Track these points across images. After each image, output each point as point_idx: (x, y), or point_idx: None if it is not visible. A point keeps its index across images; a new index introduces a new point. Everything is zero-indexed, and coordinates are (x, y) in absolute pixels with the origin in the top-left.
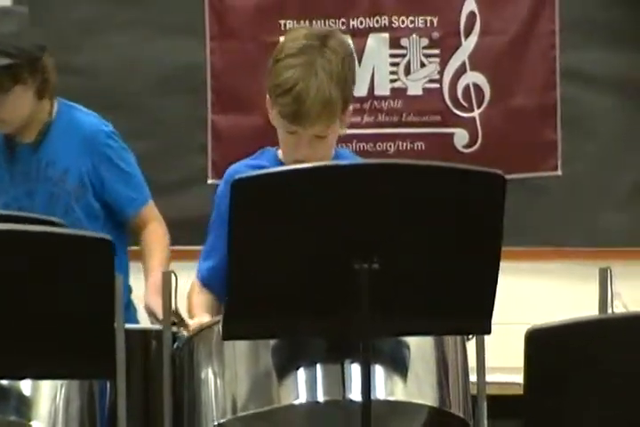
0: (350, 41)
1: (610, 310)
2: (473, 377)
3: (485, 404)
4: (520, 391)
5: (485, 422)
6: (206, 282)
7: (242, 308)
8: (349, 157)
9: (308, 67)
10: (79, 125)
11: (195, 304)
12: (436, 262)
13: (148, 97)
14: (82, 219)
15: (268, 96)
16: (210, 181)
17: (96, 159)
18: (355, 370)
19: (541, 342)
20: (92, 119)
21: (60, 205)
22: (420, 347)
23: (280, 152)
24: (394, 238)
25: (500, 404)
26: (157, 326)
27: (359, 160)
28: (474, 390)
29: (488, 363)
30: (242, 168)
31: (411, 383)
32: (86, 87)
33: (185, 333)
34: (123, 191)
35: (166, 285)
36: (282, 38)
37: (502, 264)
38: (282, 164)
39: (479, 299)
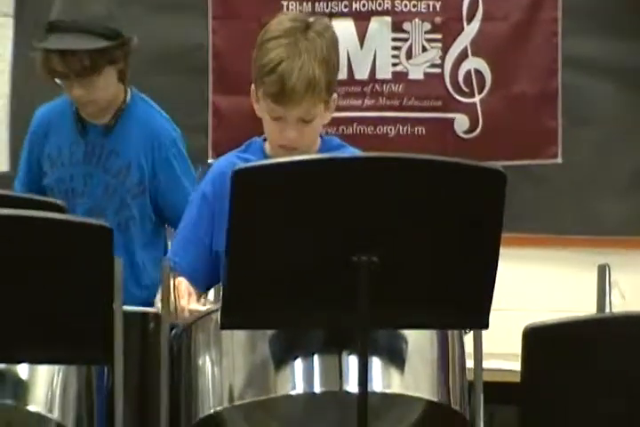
0: (352, 24)
1: (607, 307)
2: (469, 363)
3: (482, 391)
4: (515, 378)
5: (481, 409)
6: (189, 275)
7: (240, 298)
8: (338, 145)
9: (292, 47)
10: (151, 124)
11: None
12: (435, 256)
13: (148, 76)
14: (136, 217)
15: (252, 85)
16: (210, 161)
17: (157, 163)
18: (352, 362)
19: (539, 340)
20: (164, 122)
21: (116, 199)
22: (417, 340)
23: (267, 144)
24: (393, 231)
25: (496, 390)
26: (155, 309)
27: (350, 148)
28: (470, 377)
29: (484, 349)
30: (228, 165)
31: (408, 376)
32: None
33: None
34: (177, 201)
35: (165, 270)
36: None
37: (500, 250)
38: (268, 157)
39: (478, 293)
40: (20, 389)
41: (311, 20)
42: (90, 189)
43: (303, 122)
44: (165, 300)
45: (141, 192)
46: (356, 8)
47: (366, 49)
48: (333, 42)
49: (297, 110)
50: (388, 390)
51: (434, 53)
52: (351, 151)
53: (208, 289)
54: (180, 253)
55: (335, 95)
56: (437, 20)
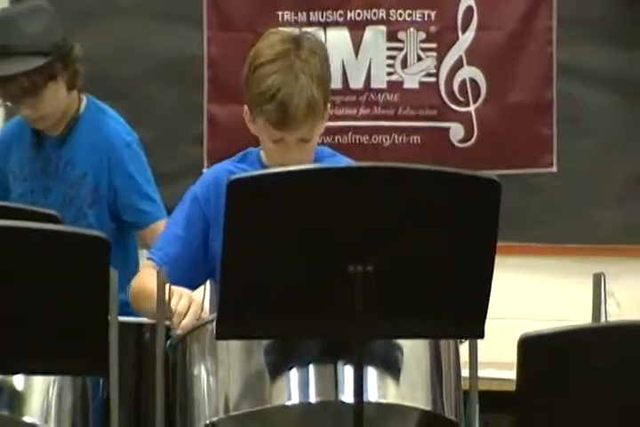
0: (347, 34)
1: (603, 316)
2: (465, 372)
3: (477, 400)
4: (511, 387)
5: (477, 418)
6: (172, 271)
7: (236, 308)
8: (330, 155)
9: (288, 71)
10: (104, 131)
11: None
12: (431, 266)
13: (144, 85)
14: (93, 225)
15: (246, 108)
16: (205, 170)
17: (113, 169)
18: (348, 372)
19: (534, 349)
20: (117, 127)
21: (73, 209)
22: (413, 349)
23: (263, 154)
24: (388, 241)
25: (491, 399)
26: (151, 320)
27: (341, 157)
28: (466, 386)
29: (480, 358)
30: (223, 172)
31: (403, 386)
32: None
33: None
34: (134, 204)
35: (160, 280)
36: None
37: (496, 259)
38: (265, 168)
39: (473, 302)
40: (16, 400)
41: (300, 36)
42: (50, 201)
43: (303, 141)
44: (161, 309)
45: (96, 200)
46: (350, 17)
47: (361, 58)
48: (326, 57)
49: (299, 133)
50: (383, 400)
51: (429, 63)
52: (343, 160)
53: (191, 289)
54: (167, 247)
55: (328, 106)
56: (432, 29)
